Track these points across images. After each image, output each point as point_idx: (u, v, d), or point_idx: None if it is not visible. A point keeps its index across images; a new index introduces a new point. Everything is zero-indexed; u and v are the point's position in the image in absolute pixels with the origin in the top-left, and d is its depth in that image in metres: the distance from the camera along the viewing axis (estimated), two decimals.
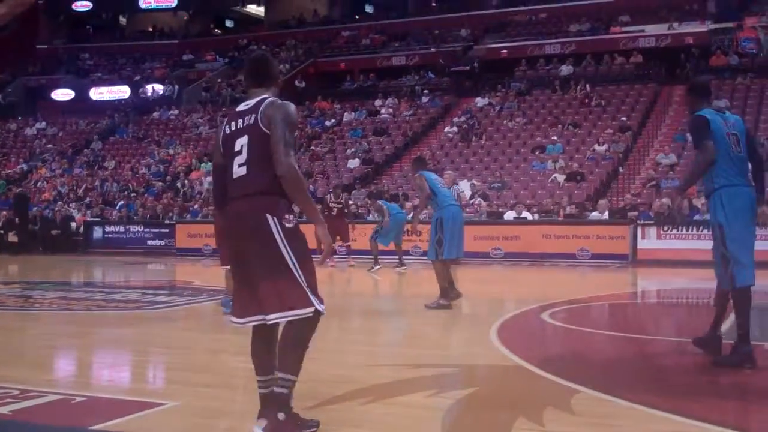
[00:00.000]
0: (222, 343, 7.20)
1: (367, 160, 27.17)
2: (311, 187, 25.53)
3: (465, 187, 23.09)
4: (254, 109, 4.04)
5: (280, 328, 4.05)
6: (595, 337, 7.97)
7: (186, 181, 27.90)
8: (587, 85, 28.79)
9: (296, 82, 34.77)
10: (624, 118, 26.32)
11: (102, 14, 44.99)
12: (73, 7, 43.40)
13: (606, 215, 19.44)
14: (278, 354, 4.05)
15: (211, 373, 5.93)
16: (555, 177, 23.03)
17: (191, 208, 25.02)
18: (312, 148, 28.97)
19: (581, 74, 30.16)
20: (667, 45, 30.46)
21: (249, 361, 4.15)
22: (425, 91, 32.07)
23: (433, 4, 40.70)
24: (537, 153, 24.99)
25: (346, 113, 31.37)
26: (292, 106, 4.09)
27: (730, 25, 30.08)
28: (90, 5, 43.23)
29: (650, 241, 18.37)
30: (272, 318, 3.93)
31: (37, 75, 41.43)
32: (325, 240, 4.13)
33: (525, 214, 20.12)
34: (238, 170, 4.02)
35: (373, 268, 16.28)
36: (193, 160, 29.51)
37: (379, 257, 16.61)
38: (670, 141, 24.66)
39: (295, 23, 41.33)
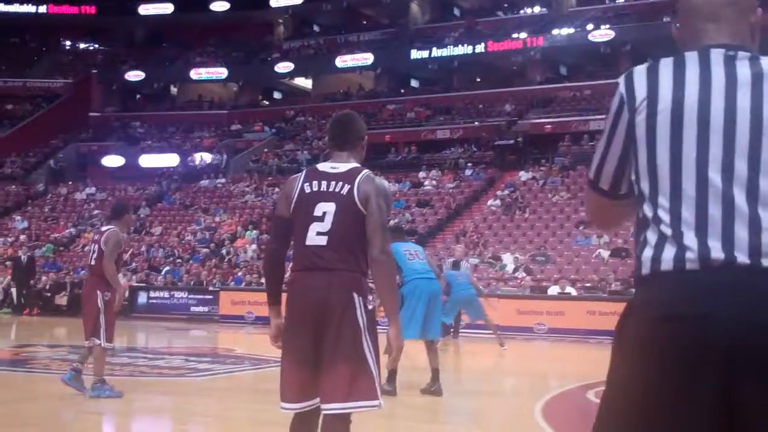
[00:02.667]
0: (263, 414, 7.03)
1: (410, 232, 27.20)
2: None
3: (508, 261, 23.02)
4: (347, 179, 3.79)
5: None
6: None
7: (231, 249, 28.14)
8: None
9: None
10: None
11: (154, 84, 46.06)
12: (126, 76, 44.57)
13: None
14: None
15: None
16: (599, 252, 22.85)
17: (235, 276, 25.19)
18: None
19: None
20: None
21: None
22: (469, 164, 32.18)
23: (478, 80, 41.12)
24: (581, 228, 24.85)
25: (390, 184, 31.52)
26: (387, 185, 3.88)
27: None
28: (142, 75, 44.34)
29: None
30: (333, 408, 3.57)
31: (89, 141, 42.39)
32: (397, 343, 3.86)
33: (569, 289, 19.93)
34: (316, 238, 3.67)
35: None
36: (239, 228, 29.79)
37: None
38: None
39: (342, 96, 41.94)
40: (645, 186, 1.90)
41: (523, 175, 30.01)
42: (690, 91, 1.88)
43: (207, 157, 38.57)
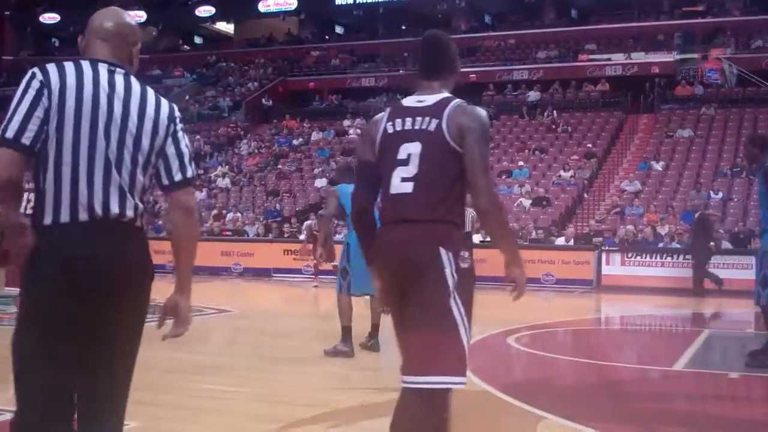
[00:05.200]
0: (178, 363, 6.77)
1: (334, 180, 27.06)
2: (277, 206, 25.42)
3: None
4: (435, 112, 3.18)
5: None
6: (560, 363, 7.94)
7: (151, 198, 27.63)
8: (554, 112, 28.99)
9: (264, 101, 34.66)
10: (590, 145, 26.52)
11: (69, 27, 44.46)
12: (41, 19, 42.99)
13: (571, 241, 19.53)
14: None
15: (170, 393, 5.80)
16: (521, 201, 23.11)
17: (155, 224, 24.75)
18: (279, 166, 28.85)
19: (548, 100, 30.36)
20: (633, 74, 30.80)
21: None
22: None
23: (403, 27, 40.84)
24: (503, 177, 25.08)
25: (314, 132, 31.30)
26: (485, 114, 3.25)
27: (695, 55, 30.52)
28: (58, 17, 42.83)
29: (614, 267, 18.45)
30: (412, 382, 3.03)
31: (2, 86, 40.90)
32: (521, 284, 3.17)
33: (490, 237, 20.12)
34: (401, 185, 3.15)
35: None
36: None
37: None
38: (634, 168, 24.89)
39: (265, 42, 41.24)
40: (51, 152, 2.54)
41: None
42: (87, 87, 2.64)
43: None
